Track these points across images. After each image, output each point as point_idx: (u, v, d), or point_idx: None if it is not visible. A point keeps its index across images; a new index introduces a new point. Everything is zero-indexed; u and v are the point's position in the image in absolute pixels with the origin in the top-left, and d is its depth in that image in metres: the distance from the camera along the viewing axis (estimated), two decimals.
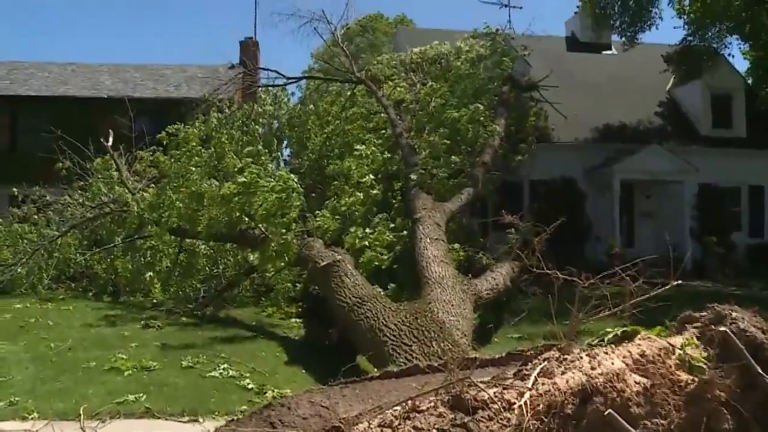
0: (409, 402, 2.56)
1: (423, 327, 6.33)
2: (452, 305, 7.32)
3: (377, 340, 6.49)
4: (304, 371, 8.91)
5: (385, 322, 6.66)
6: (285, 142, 20.39)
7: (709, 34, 22.51)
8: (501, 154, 16.31)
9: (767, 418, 2.36)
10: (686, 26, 22.58)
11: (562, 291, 3.24)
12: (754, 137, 23.88)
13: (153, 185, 15.68)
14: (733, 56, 46.67)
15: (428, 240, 9.39)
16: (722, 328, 2.49)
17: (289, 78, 19.40)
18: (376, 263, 10.90)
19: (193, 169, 14.20)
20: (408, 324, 6.44)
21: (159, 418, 6.79)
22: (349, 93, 18.22)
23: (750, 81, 24.10)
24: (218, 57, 47.08)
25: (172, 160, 15.39)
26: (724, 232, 21.53)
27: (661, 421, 2.44)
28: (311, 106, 19.30)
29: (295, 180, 12.33)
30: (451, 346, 5.78)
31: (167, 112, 20.07)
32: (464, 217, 14.36)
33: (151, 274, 13.94)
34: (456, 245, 11.48)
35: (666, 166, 21.79)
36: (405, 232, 11.92)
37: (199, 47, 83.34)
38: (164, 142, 16.08)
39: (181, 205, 13.00)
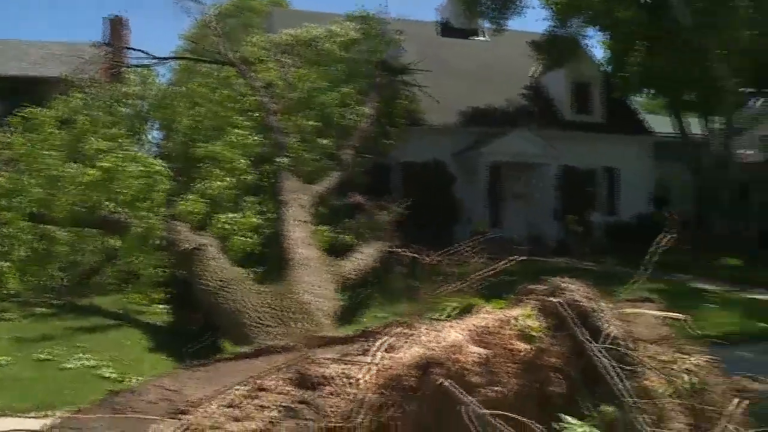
0: (254, 381, 2.51)
1: (285, 308, 6.30)
2: (316, 286, 7.31)
3: (240, 322, 6.40)
4: (169, 358, 8.66)
5: (247, 305, 6.59)
6: (153, 124, 19.69)
7: (572, 24, 23.50)
8: (371, 138, 16.42)
9: (592, 381, 2.45)
10: (551, 16, 23.48)
11: (428, 270, 3.26)
12: (611, 123, 25.17)
13: (8, 168, 14.74)
14: (593, 47, 49.07)
15: (294, 222, 9.35)
16: (555, 300, 2.58)
17: (157, 58, 18.73)
18: (246, 247, 10.75)
19: (48, 152, 13.43)
20: (270, 306, 6.39)
21: (8, 415, 6.41)
22: (220, 75, 17.76)
23: (608, 70, 25.30)
24: (83, 34, 44.81)
25: (29, 142, 14.51)
26: (584, 212, 22.61)
27: (500, 388, 2.50)
28: (180, 87, 18.70)
29: (162, 164, 11.93)
30: (313, 327, 5.77)
31: (26, 91, 18.92)
32: (333, 199, 14.38)
33: (6, 263, 13.12)
34: (323, 227, 11.48)
35: (531, 149, 22.61)
36: (275, 216, 11.81)
37: (63, 23, 79.16)
38: (18, 124, 15.12)
39: (37, 189, 12.29)
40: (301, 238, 8.96)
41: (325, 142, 14.11)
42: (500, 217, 23.00)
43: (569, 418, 2.44)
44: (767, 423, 3.54)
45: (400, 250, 3.93)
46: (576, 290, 2.66)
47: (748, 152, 26.81)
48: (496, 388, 2.44)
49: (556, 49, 23.58)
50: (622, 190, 25.11)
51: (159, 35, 72.38)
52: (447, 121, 22.85)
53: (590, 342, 2.45)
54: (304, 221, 9.69)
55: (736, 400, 3.18)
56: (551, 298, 2.63)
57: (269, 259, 10.98)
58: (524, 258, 3.13)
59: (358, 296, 10.57)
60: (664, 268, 14.86)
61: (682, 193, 25.35)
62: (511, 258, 3.11)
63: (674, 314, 3.31)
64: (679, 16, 19.93)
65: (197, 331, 9.08)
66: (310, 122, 14.23)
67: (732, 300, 13.19)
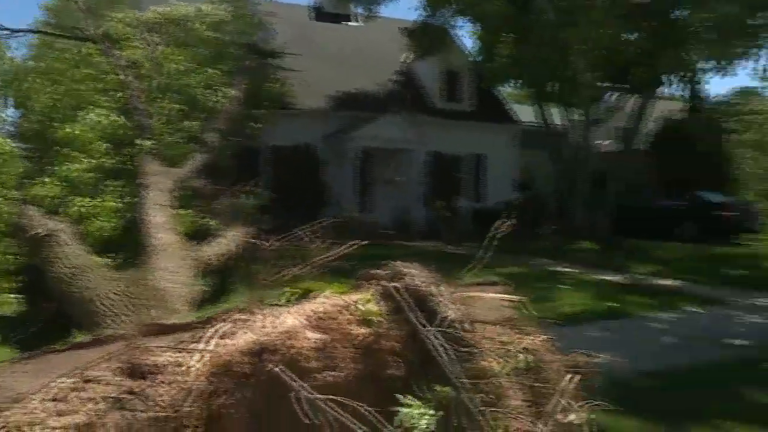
0: (81, 372, 2.40)
1: (139, 296, 6.09)
2: (173, 272, 7.10)
3: (91, 311, 6.13)
4: (17, 350, 8.19)
5: (100, 293, 6.31)
6: (6, 102, 18.49)
7: (443, 14, 23.93)
8: (239, 121, 16.11)
9: (428, 364, 2.50)
10: (423, 5, 23.82)
11: (271, 255, 3.23)
12: (480, 111, 25.93)
13: None
14: (463, 37, 50.17)
15: (154, 207, 9.04)
16: (391, 284, 2.61)
17: (11, 30, 17.56)
18: (104, 232, 10.31)
19: None
20: (124, 293, 6.16)
21: None
22: (82, 51, 16.87)
23: (478, 60, 26.00)
24: None
25: None
26: (452, 198, 23.22)
27: (337, 373, 2.50)
28: (38, 63, 17.63)
29: (13, 144, 11.24)
30: (167, 314, 5.61)
31: None
32: (199, 183, 14.03)
33: None
34: (185, 211, 11.18)
35: (401, 135, 22.95)
36: (136, 200, 11.38)
37: None
38: None
39: None
40: (161, 222, 8.67)
41: (190, 124, 13.72)
42: (370, 201, 23.25)
43: (407, 400, 2.48)
44: (600, 396, 3.78)
45: (255, 235, 3.88)
46: (416, 275, 2.70)
47: (605, 143, 28.31)
48: (333, 373, 2.45)
49: (427, 37, 23.98)
50: (489, 177, 25.97)
51: (17, 3, 68.05)
52: (318, 106, 22.82)
53: (423, 326, 2.50)
54: (165, 205, 9.38)
55: (568, 376, 3.35)
56: (390, 283, 2.66)
57: (128, 245, 10.59)
58: (368, 242, 3.15)
59: (221, 282, 10.39)
60: (528, 254, 15.64)
61: (546, 181, 26.49)
62: (353, 242, 3.13)
63: (512, 296, 3.44)
64: (543, 12, 20.72)
65: (50, 321, 8.65)
66: (175, 105, 13.79)
67: (586, 282, 13.91)
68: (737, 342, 9.17)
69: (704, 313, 11.30)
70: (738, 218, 23.26)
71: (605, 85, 23.96)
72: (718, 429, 5.57)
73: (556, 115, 25.53)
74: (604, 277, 14.67)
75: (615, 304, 11.34)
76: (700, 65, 22.54)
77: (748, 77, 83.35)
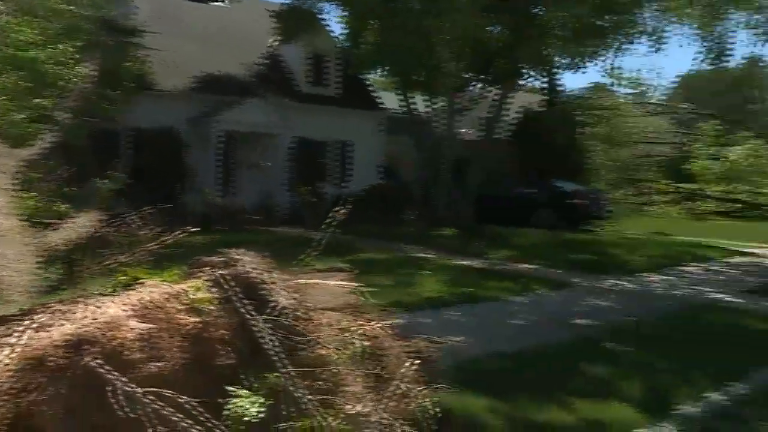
0: None
1: None
2: (13, 260, 6.67)
3: None
4: None
5: None
6: None
7: None
8: (94, 100, 15.37)
9: (256, 353, 2.47)
10: None
11: (125, 241, 3.07)
12: (346, 97, 25.97)
13: None
14: (331, 21, 50.10)
15: None
16: (218, 272, 2.55)
17: None
18: None
19: None
20: None
21: None
22: None
23: (345, 45, 25.97)
24: None
25: None
26: (316, 183, 23.20)
27: (164, 364, 2.42)
28: None
29: None
30: (2, 304, 5.26)
31: None
32: (48, 165, 13.27)
33: None
34: (30, 195, 10.55)
35: (266, 119, 22.65)
36: None
37: None
38: None
39: None
40: (0, 207, 8.12)
41: (39, 102, 12.94)
42: (234, 186, 22.84)
43: (237, 390, 2.43)
44: (446, 379, 3.87)
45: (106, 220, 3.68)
46: (248, 262, 2.65)
47: (468, 131, 29.12)
48: (159, 364, 2.36)
49: (294, 20, 23.72)
50: (355, 163, 26.10)
51: None
52: (182, 87, 22.12)
53: (251, 314, 2.45)
54: (6, 188, 8.79)
55: (409, 361, 3.40)
56: (220, 271, 2.60)
57: None
58: (198, 229, 3.05)
59: (69, 270, 9.88)
60: (392, 240, 15.81)
61: (411, 169, 26.94)
62: (184, 229, 3.03)
63: (349, 283, 3.44)
64: (408, 0, 20.99)
65: None
66: (22, 81, 12.96)
67: (446, 267, 14.26)
68: (583, 323, 9.66)
69: (555, 296, 11.86)
70: (589, 206, 24.57)
71: (469, 75, 24.60)
72: (562, 404, 5.84)
73: (421, 103, 25.97)
74: (464, 263, 15.10)
75: (473, 289, 11.69)
76: (556, 60, 23.54)
77: (599, 74, 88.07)
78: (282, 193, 22.84)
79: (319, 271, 3.75)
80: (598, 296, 12.04)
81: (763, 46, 21.70)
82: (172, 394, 2.14)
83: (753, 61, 55.68)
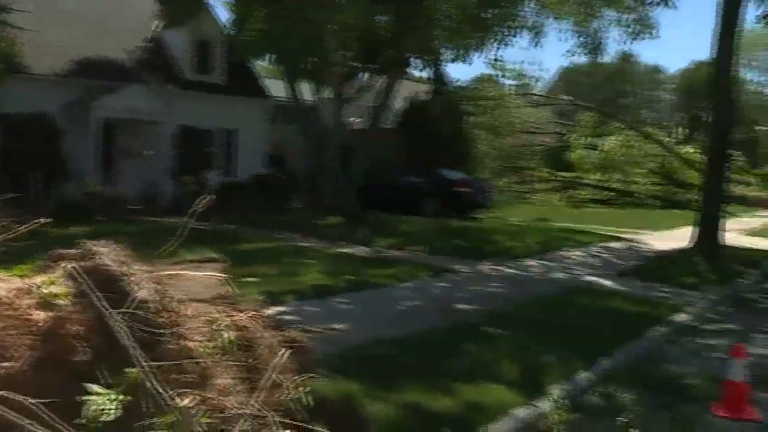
0: None
1: None
2: None
3: None
4: None
5: None
6: None
7: None
8: None
9: (113, 348, 2.37)
10: None
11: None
12: (232, 85, 25.44)
13: None
14: (217, 7, 48.96)
15: None
16: (71, 265, 2.43)
17: None
18: None
19: None
20: None
21: None
22: None
23: (231, 32, 25.37)
24: None
25: None
26: (200, 172, 22.67)
27: (11, 364, 2.28)
28: None
29: None
30: None
31: None
32: None
33: None
34: None
35: (148, 106, 21.90)
36: None
37: None
38: None
39: None
40: None
41: None
42: (115, 175, 22.00)
43: (94, 387, 2.32)
44: (321, 368, 3.85)
45: None
46: (107, 254, 2.53)
47: (356, 120, 29.16)
48: (5, 364, 2.22)
49: (178, 5, 22.99)
50: (240, 151, 25.65)
51: None
52: (57, 70, 21.06)
53: (106, 308, 2.35)
54: None
55: (282, 351, 3.36)
56: (76, 264, 2.47)
57: None
58: (49, 220, 2.89)
59: None
60: (278, 228, 15.62)
61: (297, 157, 26.74)
62: (36, 221, 2.86)
63: (216, 274, 3.37)
64: None
65: None
66: None
67: (332, 255, 14.26)
68: (465, 308, 9.89)
69: (438, 282, 12.07)
70: (473, 195, 25.17)
71: (356, 64, 24.61)
72: (443, 388, 5.93)
73: (308, 92, 25.78)
74: (350, 251, 15.15)
75: (359, 277, 11.73)
76: (442, 51, 23.90)
77: (484, 65, 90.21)
78: (165, 182, 22.16)
79: (191, 261, 3.65)
80: (480, 282, 12.35)
81: (632, 43, 22.80)
82: (15, 396, 2.01)
83: (625, 57, 58.65)
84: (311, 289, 10.45)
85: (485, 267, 13.86)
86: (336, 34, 21.09)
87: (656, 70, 76.59)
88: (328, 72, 23.10)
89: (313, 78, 24.77)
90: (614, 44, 60.93)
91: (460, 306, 10.07)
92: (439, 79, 31.75)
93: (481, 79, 36.83)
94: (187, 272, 3.17)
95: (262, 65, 29.31)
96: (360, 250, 15.34)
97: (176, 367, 2.63)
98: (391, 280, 11.84)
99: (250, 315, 3.18)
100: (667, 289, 12.21)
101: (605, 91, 60.93)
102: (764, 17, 18.16)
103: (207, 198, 3.26)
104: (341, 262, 13.50)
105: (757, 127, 56.48)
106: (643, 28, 22.06)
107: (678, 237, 18.80)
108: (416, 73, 28.90)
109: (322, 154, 23.21)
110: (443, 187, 24.70)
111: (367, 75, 25.55)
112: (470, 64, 32.00)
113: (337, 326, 6.91)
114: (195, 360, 2.68)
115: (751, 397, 6.19)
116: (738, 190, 40.41)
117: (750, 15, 46.28)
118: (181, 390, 2.54)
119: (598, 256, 16.40)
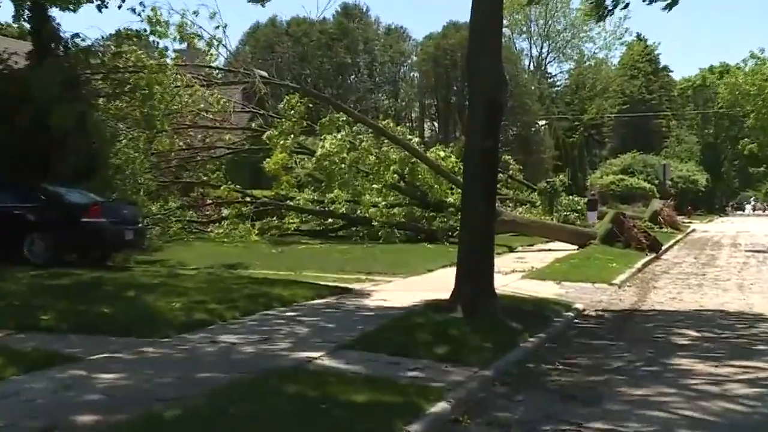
0: None
1: None
2: None
3: None
4: None
5: None
6: None
7: None
8: None
9: None
10: None
11: None
12: None
13: None
14: None
15: None
16: None
17: None
18: None
19: None
20: None
21: None
22: None
23: None
24: None
25: None
26: None
27: None
28: None
29: None
30: None
31: None
32: None
33: None
34: None
35: None
36: None
37: None
38: None
39: None
40: None
41: None
42: None
43: None
44: None
45: None
46: None
47: None
48: None
49: None
50: None
51: None
52: None
53: None
54: None
55: None
56: None
57: None
58: None
59: None
60: None
61: None
62: None
63: None
64: None
65: None
66: None
67: None
68: (88, 420, 9.22)
69: (41, 382, 11.26)
70: (115, 228, 24.63)
71: None
72: None
73: None
74: None
75: None
76: None
77: (129, 15, 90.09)
78: None
79: None
80: (119, 372, 11.64)
81: None
82: None
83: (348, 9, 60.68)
84: None
85: (131, 347, 13.22)
86: None
87: (399, 35, 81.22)
88: None
89: None
90: None
91: (78, 419, 9.28)
92: (47, 34, 28.58)
93: (123, 36, 33.03)
94: None
95: None
96: None
97: None
98: None
99: None
100: (419, 365, 12.31)
101: (317, 62, 62.03)
102: None
103: None
104: None
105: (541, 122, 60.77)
106: None
107: (438, 283, 19.39)
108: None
109: None
110: (63, 216, 23.54)
111: None
112: (105, 7, 27.23)
113: None
114: None
115: None
116: (518, 212, 42.83)
117: None
118: None
119: (311, 320, 16.38)
